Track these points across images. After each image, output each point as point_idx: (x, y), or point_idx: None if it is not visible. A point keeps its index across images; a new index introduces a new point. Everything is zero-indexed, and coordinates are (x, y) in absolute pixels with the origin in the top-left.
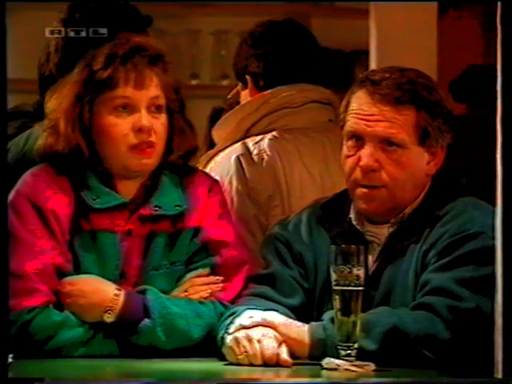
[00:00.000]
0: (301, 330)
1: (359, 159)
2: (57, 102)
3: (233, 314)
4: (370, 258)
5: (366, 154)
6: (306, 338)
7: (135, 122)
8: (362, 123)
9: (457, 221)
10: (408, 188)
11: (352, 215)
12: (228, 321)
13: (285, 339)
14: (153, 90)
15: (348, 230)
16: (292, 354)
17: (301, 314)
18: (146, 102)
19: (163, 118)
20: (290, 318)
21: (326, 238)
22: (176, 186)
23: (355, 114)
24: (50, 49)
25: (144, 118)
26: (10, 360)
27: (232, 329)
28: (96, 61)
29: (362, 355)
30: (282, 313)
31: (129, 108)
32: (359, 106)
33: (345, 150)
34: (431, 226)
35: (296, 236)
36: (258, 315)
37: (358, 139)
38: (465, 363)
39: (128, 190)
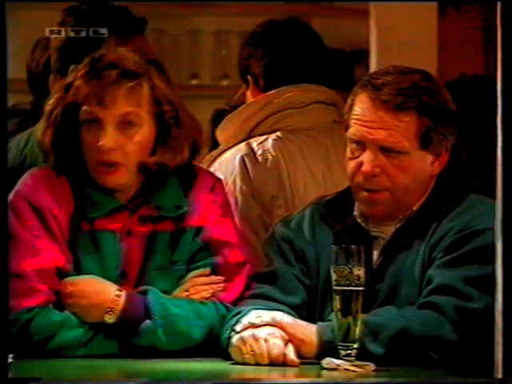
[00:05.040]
0: (309, 331)
1: (361, 163)
2: (51, 103)
3: (238, 313)
4: (375, 253)
5: (368, 160)
6: (314, 339)
7: (97, 141)
8: (363, 130)
9: (463, 217)
10: (411, 190)
11: (356, 213)
12: (233, 321)
13: (292, 339)
14: (123, 106)
15: (352, 227)
16: (299, 354)
17: (303, 311)
18: (113, 120)
19: (139, 134)
20: (293, 316)
21: (328, 234)
22: (177, 186)
23: (357, 119)
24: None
25: (105, 138)
26: (10, 360)
27: (239, 327)
28: (75, 70)
29: (369, 358)
30: (286, 313)
31: (95, 124)
32: (361, 111)
33: (348, 152)
34: (438, 221)
35: (298, 233)
36: (267, 315)
37: (360, 143)
38: (466, 363)
39: (125, 192)
